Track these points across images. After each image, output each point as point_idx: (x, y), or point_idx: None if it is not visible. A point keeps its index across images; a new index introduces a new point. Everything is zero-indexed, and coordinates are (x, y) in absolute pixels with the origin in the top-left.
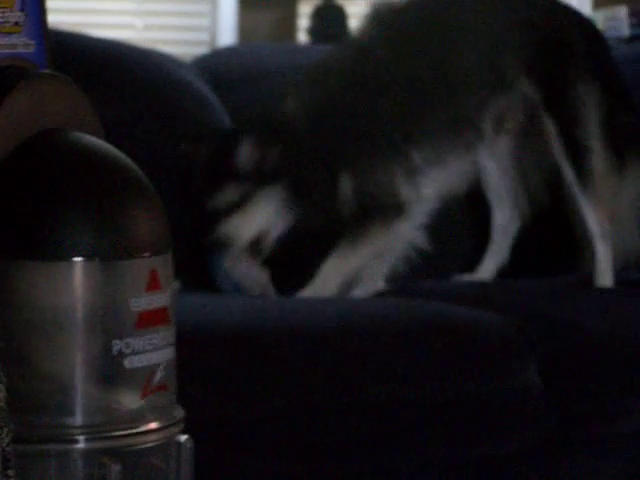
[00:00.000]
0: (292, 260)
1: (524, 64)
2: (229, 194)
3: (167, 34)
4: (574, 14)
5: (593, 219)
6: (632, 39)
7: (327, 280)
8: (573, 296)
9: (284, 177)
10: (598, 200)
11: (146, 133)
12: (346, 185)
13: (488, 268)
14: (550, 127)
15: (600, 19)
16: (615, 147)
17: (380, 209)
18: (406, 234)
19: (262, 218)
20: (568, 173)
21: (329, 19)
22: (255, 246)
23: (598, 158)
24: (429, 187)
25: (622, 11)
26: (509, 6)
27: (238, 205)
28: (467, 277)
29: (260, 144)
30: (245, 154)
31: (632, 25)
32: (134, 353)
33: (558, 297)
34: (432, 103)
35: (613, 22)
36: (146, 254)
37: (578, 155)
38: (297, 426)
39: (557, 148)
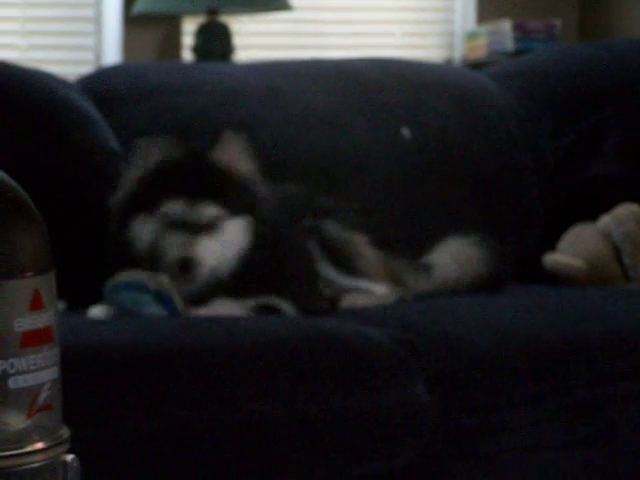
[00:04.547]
0: None
1: None
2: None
3: (51, 54)
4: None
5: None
6: (516, 53)
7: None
8: (456, 311)
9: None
10: None
11: (30, 153)
12: None
13: None
14: None
15: (484, 33)
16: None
17: None
18: None
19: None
20: None
21: (213, 37)
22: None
23: None
24: None
25: (506, 25)
26: None
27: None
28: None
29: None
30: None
31: (516, 39)
32: (18, 373)
33: (441, 312)
34: None
35: (497, 36)
36: (29, 274)
37: None
38: (182, 444)
39: None
